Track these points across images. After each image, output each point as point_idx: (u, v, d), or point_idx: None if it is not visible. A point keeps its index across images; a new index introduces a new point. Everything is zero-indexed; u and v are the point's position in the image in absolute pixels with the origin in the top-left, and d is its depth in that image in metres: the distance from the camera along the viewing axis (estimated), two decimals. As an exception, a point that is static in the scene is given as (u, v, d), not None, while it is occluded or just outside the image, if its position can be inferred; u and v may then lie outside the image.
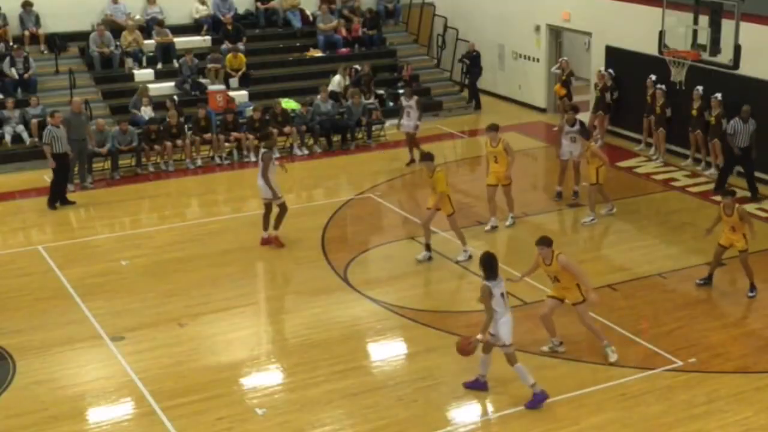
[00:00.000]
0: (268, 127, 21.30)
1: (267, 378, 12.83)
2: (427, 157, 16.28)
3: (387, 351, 13.65)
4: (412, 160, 21.63)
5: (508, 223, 17.98)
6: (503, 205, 18.00)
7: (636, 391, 12.20)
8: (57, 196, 19.32)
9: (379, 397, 12.15)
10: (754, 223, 15.04)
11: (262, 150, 17.22)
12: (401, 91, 25.57)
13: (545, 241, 12.69)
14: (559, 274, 12.67)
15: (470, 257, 16.23)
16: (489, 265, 11.73)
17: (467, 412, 11.98)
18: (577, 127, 18.73)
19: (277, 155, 16.74)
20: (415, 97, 22.04)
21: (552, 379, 12.52)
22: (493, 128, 17.64)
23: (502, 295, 11.68)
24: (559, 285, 12.81)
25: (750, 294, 14.86)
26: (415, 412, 11.82)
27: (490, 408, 12.05)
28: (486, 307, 11.66)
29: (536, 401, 11.78)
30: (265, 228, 17.14)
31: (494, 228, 17.82)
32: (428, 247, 16.48)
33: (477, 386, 12.20)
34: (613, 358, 12.85)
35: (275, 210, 17.07)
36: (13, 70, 22.91)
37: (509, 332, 11.71)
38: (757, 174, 20.10)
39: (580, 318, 12.84)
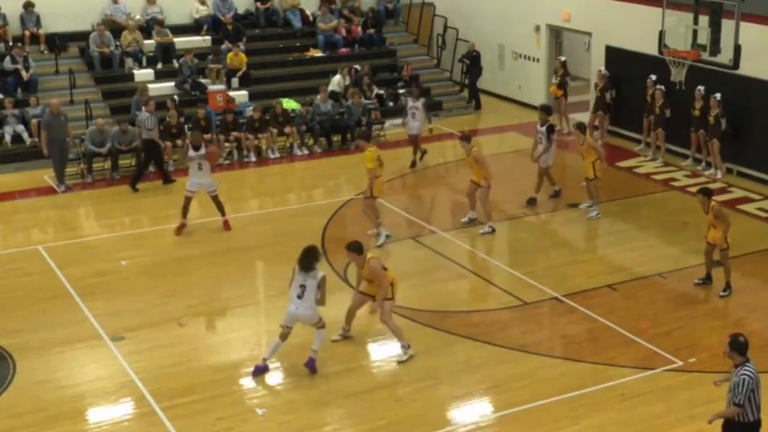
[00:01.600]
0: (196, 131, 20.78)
1: (267, 378, 12.82)
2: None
3: (386, 351, 13.63)
4: (415, 162, 21.63)
5: (481, 231, 17.61)
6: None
7: (636, 391, 12.20)
8: (139, 179, 20.46)
9: (378, 397, 12.16)
10: (730, 222, 15.02)
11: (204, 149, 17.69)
12: (401, 90, 25.62)
13: (354, 248, 13.03)
14: (371, 276, 13.00)
15: (387, 237, 17.01)
16: (303, 257, 12.63)
17: (467, 412, 11.98)
18: (544, 127, 18.95)
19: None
20: (422, 99, 22.04)
21: (552, 379, 12.54)
22: (465, 138, 17.75)
23: (301, 286, 12.57)
24: (373, 285, 13.12)
25: (722, 293, 14.88)
26: (414, 412, 11.83)
27: (489, 408, 12.05)
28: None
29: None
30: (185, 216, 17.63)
31: (472, 220, 17.90)
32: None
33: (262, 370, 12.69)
34: (404, 357, 13.03)
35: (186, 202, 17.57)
36: (22, 72, 22.88)
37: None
38: (757, 174, 20.15)
39: (381, 315, 13.06)
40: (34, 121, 21.78)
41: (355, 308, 13.65)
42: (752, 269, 15.99)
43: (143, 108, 21.16)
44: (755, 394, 9.51)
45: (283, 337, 12.78)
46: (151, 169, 21.03)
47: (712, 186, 19.81)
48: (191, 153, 17.58)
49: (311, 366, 12.73)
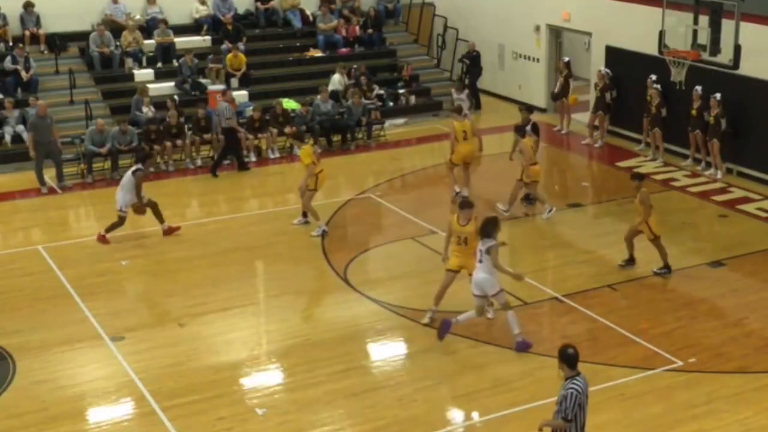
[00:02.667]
0: (146, 147, 20.85)
1: (267, 378, 12.84)
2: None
3: (387, 351, 13.65)
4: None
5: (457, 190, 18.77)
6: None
7: (636, 391, 12.20)
8: (219, 166, 21.42)
9: (379, 397, 12.15)
10: (650, 212, 15.25)
11: (136, 167, 17.62)
12: (401, 90, 25.65)
13: (469, 204, 13.83)
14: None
15: (323, 232, 17.34)
16: (483, 224, 13.05)
17: (467, 412, 11.98)
18: (528, 126, 19.04)
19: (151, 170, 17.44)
20: (466, 90, 22.37)
21: (552, 379, 12.49)
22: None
23: (479, 250, 12.94)
24: (462, 257, 13.67)
25: (656, 270, 15.50)
26: (414, 412, 11.82)
27: (489, 408, 12.04)
28: None
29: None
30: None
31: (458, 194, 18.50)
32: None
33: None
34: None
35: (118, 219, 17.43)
36: (23, 72, 22.90)
37: None
38: (757, 174, 20.15)
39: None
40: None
41: (445, 288, 13.93)
42: (752, 269, 15.99)
43: (219, 98, 22.07)
44: (582, 411, 9.05)
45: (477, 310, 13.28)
46: (151, 169, 21.05)
47: (712, 186, 19.91)
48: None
49: (522, 346, 13.12)
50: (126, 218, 17.44)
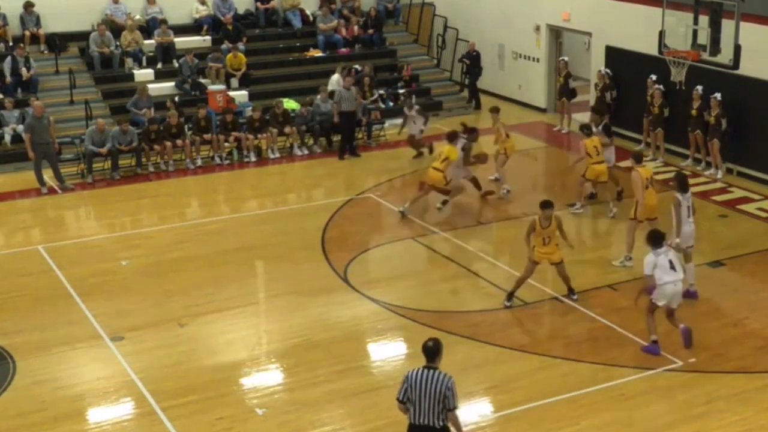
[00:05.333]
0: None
1: (267, 378, 12.83)
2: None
3: (387, 351, 13.65)
4: (420, 153, 22.26)
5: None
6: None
7: (636, 391, 12.19)
8: (345, 149, 22.37)
9: (379, 397, 12.14)
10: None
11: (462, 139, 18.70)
12: (401, 91, 25.62)
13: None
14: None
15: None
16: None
17: (467, 411, 11.94)
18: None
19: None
20: (416, 107, 22.33)
21: (552, 379, 12.53)
22: (494, 110, 20.24)
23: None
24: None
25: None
26: (415, 412, 11.81)
27: (490, 408, 12.05)
28: None
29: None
30: None
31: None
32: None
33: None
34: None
35: None
36: (24, 70, 22.92)
37: None
38: (756, 174, 20.15)
39: None
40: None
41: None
42: (752, 269, 16.00)
43: (340, 84, 23.27)
44: (411, 397, 9.23)
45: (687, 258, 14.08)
46: (151, 169, 21.06)
47: (712, 186, 19.90)
48: None
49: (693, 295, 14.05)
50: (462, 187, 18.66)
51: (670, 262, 12.82)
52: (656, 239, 12.95)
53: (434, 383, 9.16)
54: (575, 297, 14.63)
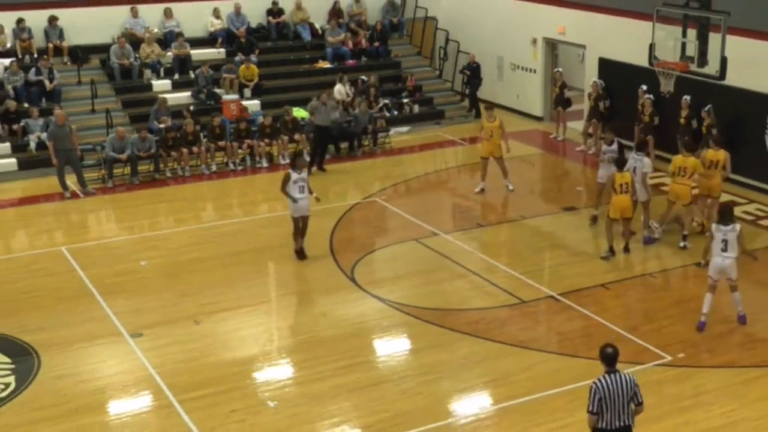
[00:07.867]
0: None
1: (278, 372, 12.85)
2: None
3: (392, 347, 13.65)
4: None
5: (511, 188, 19.84)
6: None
7: (628, 385, 12.16)
8: (314, 162, 21.66)
9: (384, 391, 12.15)
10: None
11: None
12: (405, 100, 25.63)
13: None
14: None
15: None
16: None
17: (468, 404, 11.98)
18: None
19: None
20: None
21: (548, 374, 12.53)
22: (490, 108, 20.28)
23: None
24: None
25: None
26: (418, 405, 11.83)
27: (489, 401, 12.05)
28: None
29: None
30: None
31: (482, 191, 19.71)
32: None
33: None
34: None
35: None
36: (46, 82, 22.98)
37: None
38: (749, 181, 20.10)
39: None
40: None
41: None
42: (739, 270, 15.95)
43: (342, 93, 23.76)
44: (607, 408, 9.05)
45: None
46: (168, 174, 21.05)
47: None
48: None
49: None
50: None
51: (724, 242, 13.15)
52: (722, 215, 13.37)
53: (624, 384, 9.17)
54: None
